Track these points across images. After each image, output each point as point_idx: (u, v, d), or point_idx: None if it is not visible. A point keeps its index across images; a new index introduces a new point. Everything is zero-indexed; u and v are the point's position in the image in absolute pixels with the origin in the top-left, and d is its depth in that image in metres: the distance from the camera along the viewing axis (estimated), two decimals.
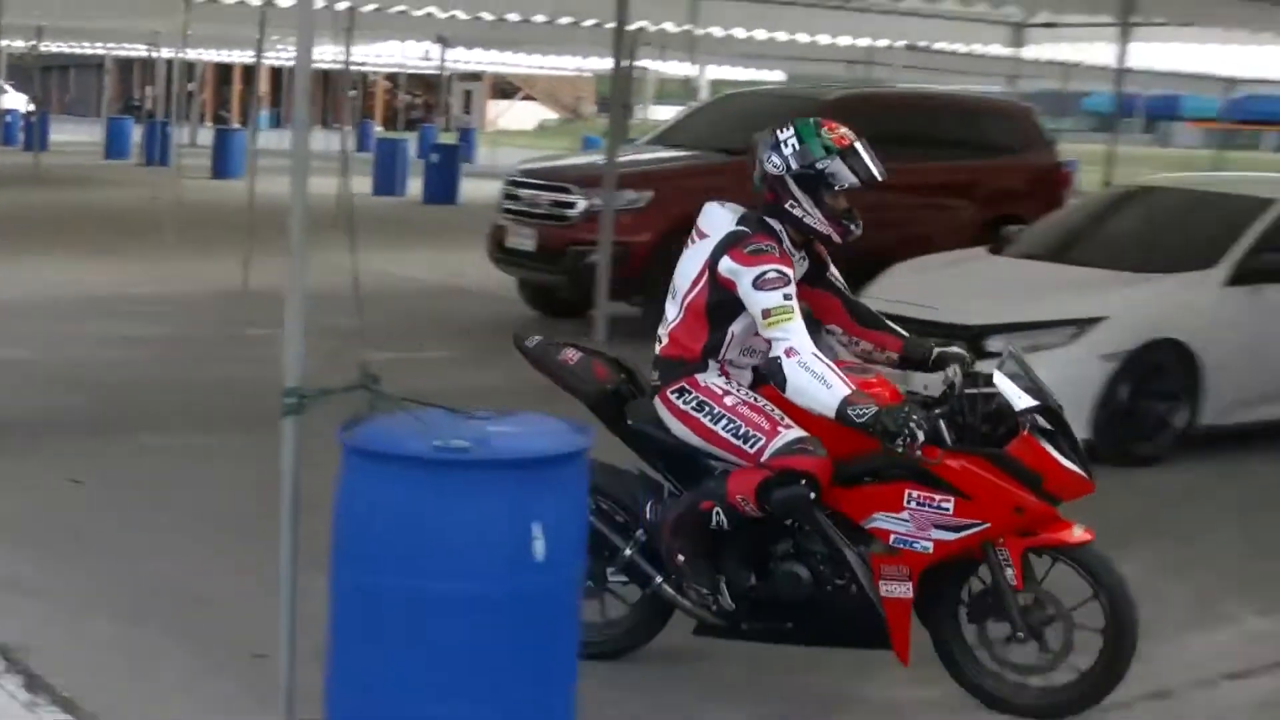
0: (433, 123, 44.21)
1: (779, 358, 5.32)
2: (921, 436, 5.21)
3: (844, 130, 5.64)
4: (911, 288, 10.02)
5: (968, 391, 5.62)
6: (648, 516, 5.76)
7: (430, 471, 4.30)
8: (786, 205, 5.59)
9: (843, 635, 5.77)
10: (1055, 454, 5.42)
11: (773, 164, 5.59)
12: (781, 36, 24.09)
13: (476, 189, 26.34)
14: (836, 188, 5.56)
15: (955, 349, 5.86)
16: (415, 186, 29.05)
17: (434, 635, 4.31)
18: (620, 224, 12.44)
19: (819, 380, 5.27)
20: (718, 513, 5.52)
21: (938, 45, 24.21)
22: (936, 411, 5.51)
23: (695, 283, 5.60)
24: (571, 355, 5.92)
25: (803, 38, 24.01)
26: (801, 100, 14.49)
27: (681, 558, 5.65)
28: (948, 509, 5.40)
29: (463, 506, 4.30)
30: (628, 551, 5.78)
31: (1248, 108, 41.14)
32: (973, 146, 14.99)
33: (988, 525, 5.41)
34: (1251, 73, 26.55)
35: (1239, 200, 10.68)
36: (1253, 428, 10.01)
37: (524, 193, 13.95)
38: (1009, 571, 5.51)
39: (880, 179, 5.59)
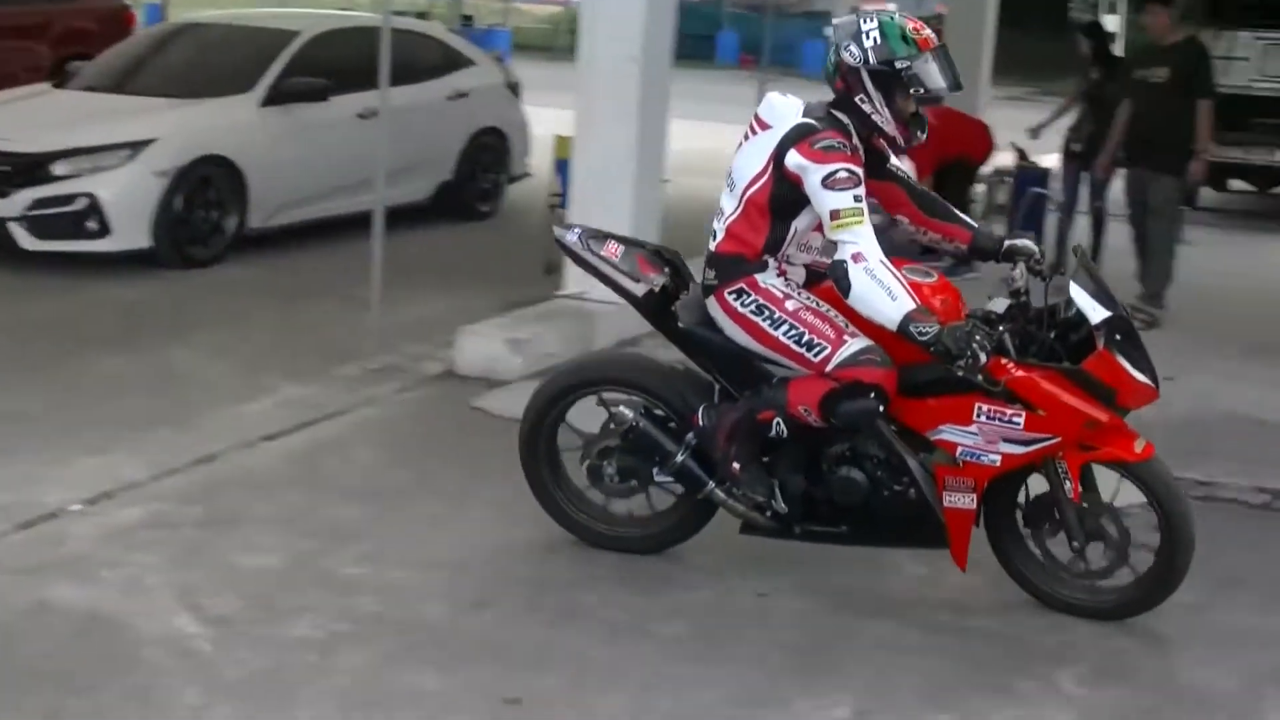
0: None
1: (845, 262, 5.10)
2: (984, 358, 5.07)
3: (929, 32, 5.34)
4: None
5: (1036, 306, 5.45)
6: (700, 422, 5.57)
7: None
8: (857, 99, 5.32)
9: (899, 537, 5.70)
10: (1129, 367, 5.28)
11: (850, 53, 5.31)
12: None
13: None
14: (912, 90, 5.30)
15: (1024, 242, 5.66)
16: None
17: None
18: None
19: (884, 290, 5.07)
20: (778, 423, 5.39)
21: None
22: (1001, 328, 5.32)
23: (759, 176, 5.32)
24: (614, 249, 5.70)
25: None
26: None
27: (737, 465, 5.52)
28: (1018, 423, 5.29)
29: None
30: (680, 457, 5.64)
31: None
32: None
33: (1058, 439, 5.34)
34: None
35: (270, 33, 12.12)
36: (294, 228, 11.47)
37: None
38: (1068, 484, 5.48)
39: (959, 89, 5.44)
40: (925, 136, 5.46)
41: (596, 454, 5.87)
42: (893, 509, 5.53)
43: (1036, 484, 5.62)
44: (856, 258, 5.09)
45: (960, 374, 5.10)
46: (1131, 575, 5.64)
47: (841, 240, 5.13)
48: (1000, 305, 5.43)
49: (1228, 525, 6.70)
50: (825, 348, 5.28)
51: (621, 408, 5.79)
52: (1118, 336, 5.27)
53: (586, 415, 6.01)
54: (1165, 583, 5.59)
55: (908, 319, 5.06)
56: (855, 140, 5.31)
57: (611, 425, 5.88)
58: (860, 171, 5.18)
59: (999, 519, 5.65)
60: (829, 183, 5.12)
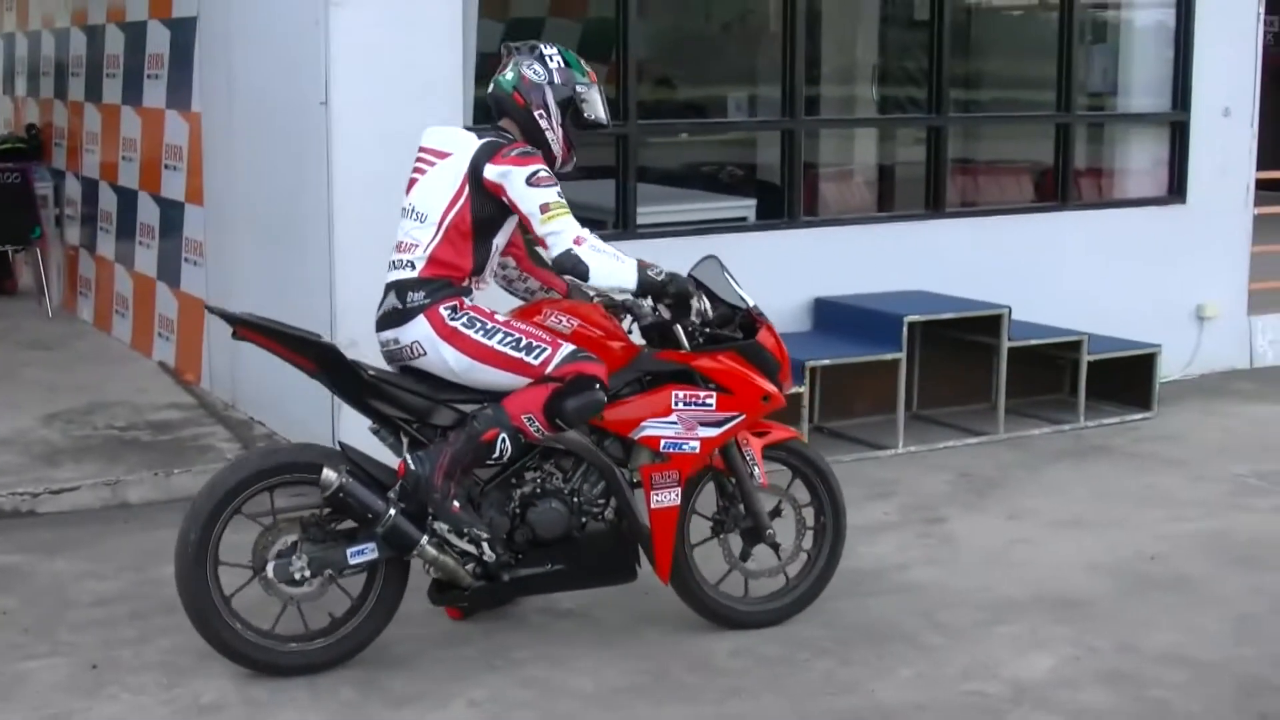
0: None
1: (570, 248, 5.30)
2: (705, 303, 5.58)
3: (590, 69, 5.72)
4: None
5: (694, 303, 5.62)
6: (410, 466, 5.35)
7: None
8: (536, 114, 5.57)
9: (603, 570, 5.75)
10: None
11: (534, 71, 5.59)
12: None
13: None
14: (585, 115, 5.63)
15: (625, 299, 5.82)
16: None
17: None
18: None
19: (614, 258, 5.36)
20: (503, 439, 5.35)
21: None
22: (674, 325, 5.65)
23: (454, 200, 5.43)
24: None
25: None
26: None
27: (456, 504, 5.41)
28: (711, 404, 5.59)
29: None
30: (392, 512, 5.32)
31: None
32: None
33: (744, 416, 5.67)
34: None
35: None
36: None
37: None
38: (756, 471, 5.78)
39: (608, 126, 5.77)
40: (573, 166, 5.77)
41: (277, 553, 5.35)
42: (595, 537, 5.65)
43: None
44: (578, 241, 5.33)
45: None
46: (802, 563, 6.05)
47: (556, 231, 5.33)
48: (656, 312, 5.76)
49: None
50: (545, 349, 5.41)
51: (325, 471, 5.27)
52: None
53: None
54: (834, 555, 6.05)
55: (642, 269, 5.40)
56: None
57: (277, 522, 5.41)
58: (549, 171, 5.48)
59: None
60: (533, 181, 5.34)
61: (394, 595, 5.52)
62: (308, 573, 5.33)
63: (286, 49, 7.79)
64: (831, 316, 8.88)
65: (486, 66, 8.05)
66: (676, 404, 5.57)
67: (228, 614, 5.33)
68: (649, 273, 5.41)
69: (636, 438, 5.59)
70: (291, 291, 7.56)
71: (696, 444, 5.60)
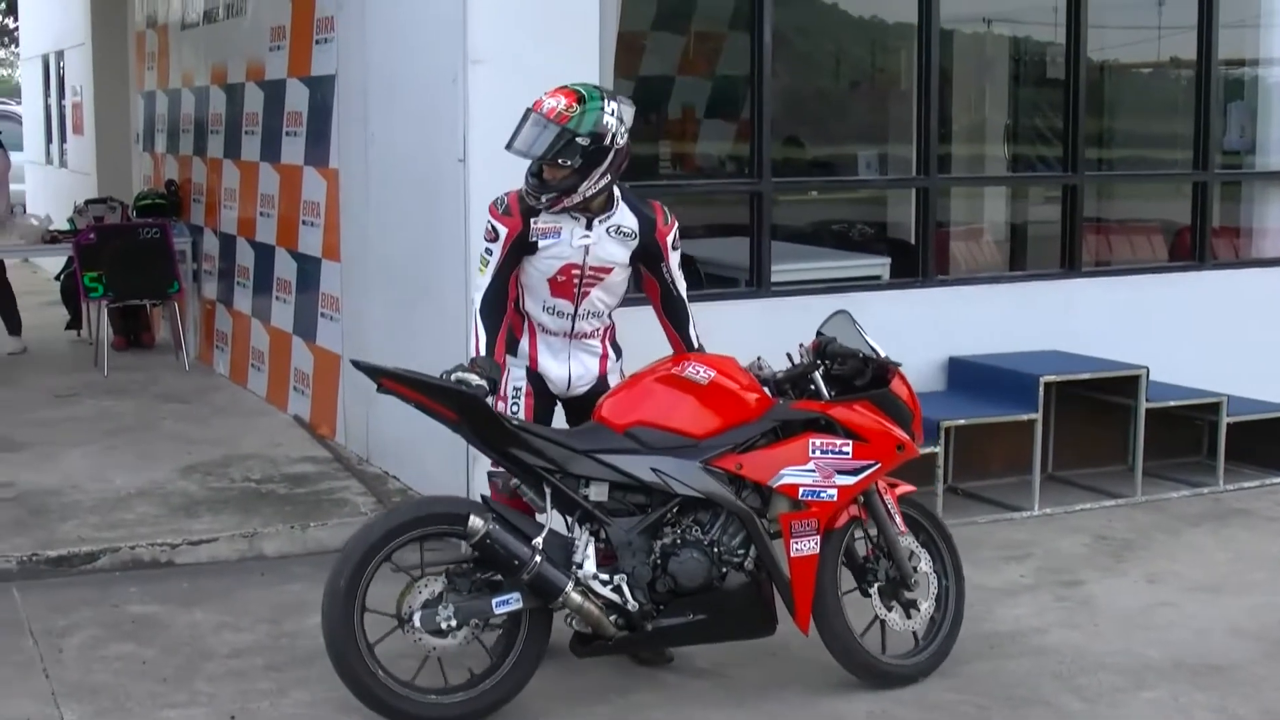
0: None
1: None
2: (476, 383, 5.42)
3: (543, 97, 5.77)
4: None
5: (830, 349, 5.84)
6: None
7: None
8: None
9: (744, 623, 5.75)
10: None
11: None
12: None
13: None
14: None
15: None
16: None
17: None
18: None
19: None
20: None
21: None
22: (817, 372, 5.82)
23: None
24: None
25: None
26: None
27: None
28: (848, 453, 5.65)
29: None
30: (537, 559, 5.35)
31: None
32: None
33: (880, 464, 5.73)
34: None
35: None
36: None
37: None
38: (897, 519, 5.89)
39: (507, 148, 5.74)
40: (544, 200, 5.73)
41: (424, 603, 5.37)
42: (736, 587, 5.62)
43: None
44: None
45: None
46: (930, 621, 6.02)
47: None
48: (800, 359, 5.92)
49: None
50: None
51: (472, 518, 5.34)
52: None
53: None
54: (958, 615, 6.08)
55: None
56: (510, 201, 5.83)
57: (425, 573, 5.45)
58: (497, 225, 5.80)
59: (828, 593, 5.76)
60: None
61: (536, 649, 5.49)
62: (454, 622, 5.33)
63: (424, 106, 7.88)
64: (966, 376, 8.80)
65: None
66: (814, 452, 5.62)
67: (371, 661, 5.33)
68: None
69: (775, 486, 5.61)
70: (426, 348, 7.60)
71: (834, 491, 5.63)
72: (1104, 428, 8.94)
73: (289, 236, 10.08)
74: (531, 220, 5.76)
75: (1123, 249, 10.53)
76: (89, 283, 12.13)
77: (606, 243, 5.83)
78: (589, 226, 5.80)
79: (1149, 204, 10.99)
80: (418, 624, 5.33)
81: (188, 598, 6.84)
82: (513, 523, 5.44)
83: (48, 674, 5.94)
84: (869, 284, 9.15)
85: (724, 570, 5.60)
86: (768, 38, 8.39)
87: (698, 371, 5.70)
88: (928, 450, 7.75)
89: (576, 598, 5.40)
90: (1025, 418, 8.29)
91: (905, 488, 5.98)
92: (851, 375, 5.85)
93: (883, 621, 5.87)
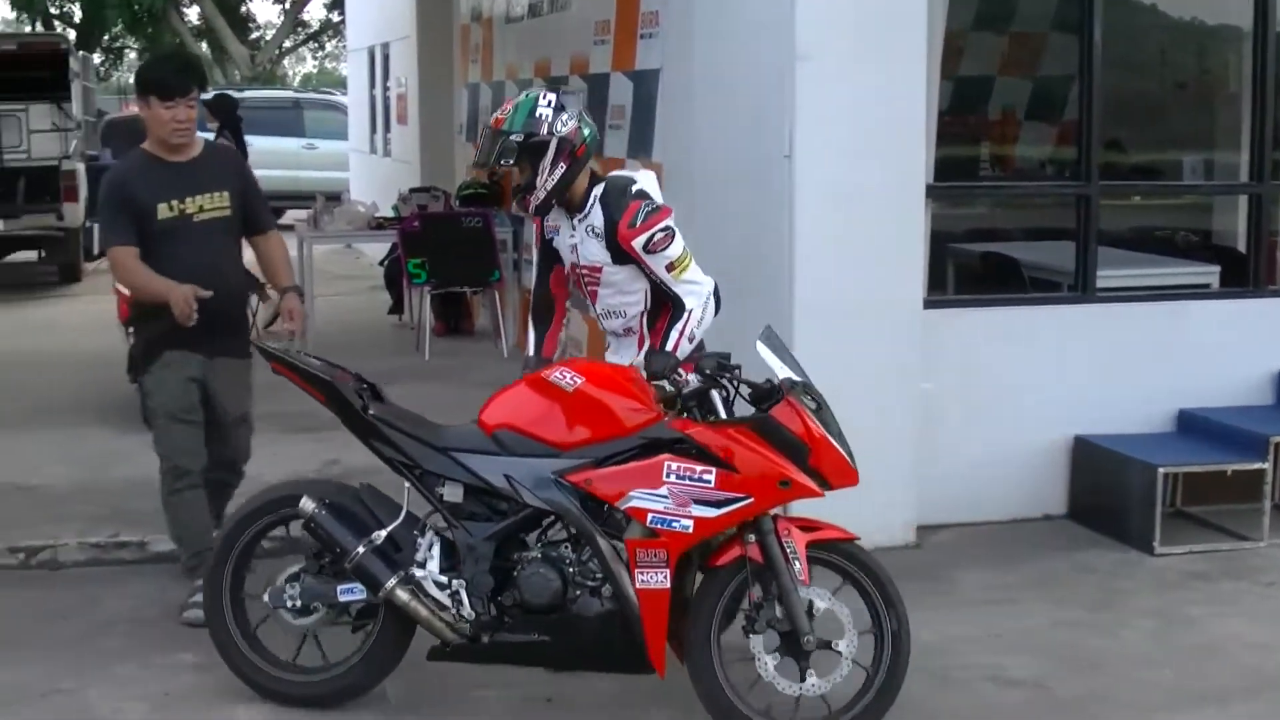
0: None
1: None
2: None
3: (499, 113, 5.72)
4: None
5: (731, 368, 5.34)
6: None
7: None
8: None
9: (599, 653, 5.32)
10: (821, 428, 5.14)
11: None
12: None
13: None
14: None
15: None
16: None
17: None
18: None
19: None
20: None
21: None
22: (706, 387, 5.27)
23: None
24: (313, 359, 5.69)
25: None
26: None
27: None
28: (709, 481, 5.04)
29: None
30: (360, 548, 5.31)
31: None
32: None
33: (751, 500, 5.05)
34: None
35: None
36: None
37: None
38: (797, 566, 5.14)
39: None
40: (516, 202, 5.87)
41: (283, 581, 5.51)
42: (591, 613, 5.19)
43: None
44: None
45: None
46: (862, 675, 5.26)
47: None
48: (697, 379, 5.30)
49: None
50: None
51: (304, 500, 5.40)
52: (809, 399, 5.18)
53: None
54: (895, 676, 5.26)
55: None
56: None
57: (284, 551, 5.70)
58: (534, 227, 6.05)
59: (698, 629, 5.21)
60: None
61: (387, 647, 5.47)
62: (298, 602, 5.46)
63: (750, 101, 7.92)
64: None
65: (941, 125, 8.08)
66: (668, 475, 5.04)
67: (243, 642, 5.61)
68: None
69: (624, 508, 5.10)
70: (747, 345, 7.66)
71: (690, 523, 5.02)
72: None
73: None
74: (545, 220, 5.91)
75: None
76: (412, 269, 12.52)
77: (589, 242, 5.76)
78: (574, 226, 5.81)
79: None
80: (266, 599, 5.51)
81: None
82: (372, 510, 5.42)
83: None
84: (1195, 292, 8.89)
85: (577, 592, 5.22)
86: (1097, 37, 8.23)
87: (564, 377, 5.29)
88: (1252, 466, 7.53)
89: (403, 595, 5.28)
90: None
91: (830, 533, 5.26)
92: (756, 399, 5.30)
93: (769, 677, 5.20)
